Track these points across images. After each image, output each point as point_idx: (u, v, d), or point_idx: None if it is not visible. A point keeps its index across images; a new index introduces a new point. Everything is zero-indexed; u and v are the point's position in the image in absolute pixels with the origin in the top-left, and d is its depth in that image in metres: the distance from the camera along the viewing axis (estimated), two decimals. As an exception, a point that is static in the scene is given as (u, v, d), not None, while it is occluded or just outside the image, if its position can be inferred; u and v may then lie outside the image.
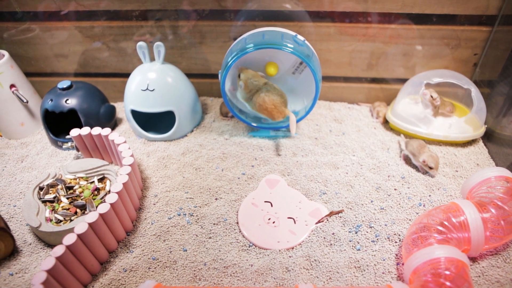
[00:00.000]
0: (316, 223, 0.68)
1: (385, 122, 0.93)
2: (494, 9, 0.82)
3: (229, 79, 0.86)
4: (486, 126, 0.85)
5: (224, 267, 0.61)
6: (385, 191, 0.74)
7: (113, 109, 0.92)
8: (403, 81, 0.95)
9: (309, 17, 0.87)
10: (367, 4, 0.83)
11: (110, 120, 0.91)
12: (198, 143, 0.87)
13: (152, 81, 0.82)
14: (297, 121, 0.85)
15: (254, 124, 0.86)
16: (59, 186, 0.72)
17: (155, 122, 0.94)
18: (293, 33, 0.77)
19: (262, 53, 0.83)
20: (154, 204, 0.73)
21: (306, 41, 0.77)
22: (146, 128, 0.88)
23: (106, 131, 0.78)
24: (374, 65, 0.94)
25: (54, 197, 0.70)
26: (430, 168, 0.76)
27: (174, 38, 0.92)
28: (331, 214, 0.70)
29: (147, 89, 0.82)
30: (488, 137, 0.86)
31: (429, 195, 0.74)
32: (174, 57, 0.95)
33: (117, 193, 0.64)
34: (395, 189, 0.75)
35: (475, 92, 0.82)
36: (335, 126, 0.93)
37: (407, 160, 0.81)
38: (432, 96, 0.83)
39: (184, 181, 0.77)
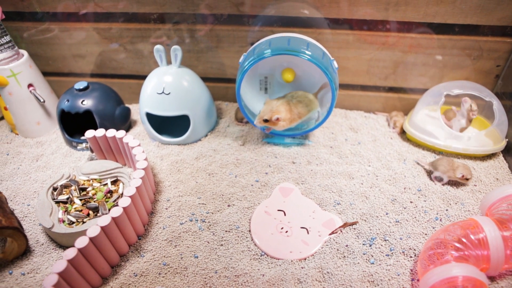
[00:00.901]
0: (330, 234, 0.67)
1: (402, 133, 0.92)
2: (519, 21, 0.80)
3: (245, 83, 0.85)
4: (507, 140, 0.83)
5: (235, 275, 0.61)
6: (401, 204, 0.73)
7: (128, 111, 0.92)
8: (421, 91, 0.93)
9: (327, 24, 0.86)
10: (388, 12, 0.82)
11: (125, 122, 0.91)
12: (212, 148, 0.87)
13: (168, 84, 0.82)
14: (313, 128, 0.84)
15: (268, 131, 0.86)
16: (73, 187, 0.72)
17: (170, 126, 0.93)
18: (322, 47, 0.77)
19: (280, 58, 0.83)
20: (166, 208, 0.73)
21: (329, 55, 0.76)
22: (160, 131, 0.88)
23: (120, 133, 0.78)
24: (392, 74, 0.92)
25: (68, 198, 0.70)
26: (468, 179, 0.75)
27: (191, 42, 0.92)
28: (345, 225, 0.69)
29: (162, 92, 0.82)
30: (509, 151, 0.83)
31: (446, 209, 0.72)
32: (191, 60, 0.95)
33: (130, 196, 0.64)
34: (411, 202, 0.73)
35: (497, 104, 0.80)
36: (351, 135, 0.91)
37: (440, 181, 0.78)
38: (471, 106, 0.81)
39: (197, 186, 0.77)
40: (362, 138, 0.90)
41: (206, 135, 0.91)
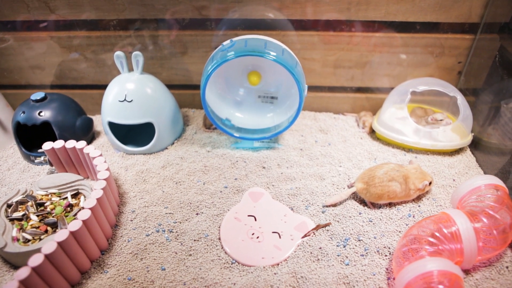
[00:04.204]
0: (302, 237, 0.65)
1: (372, 132, 0.92)
2: (477, 17, 0.82)
3: (211, 88, 0.83)
4: (473, 134, 0.84)
5: (205, 286, 0.57)
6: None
7: (90, 122, 0.88)
8: (388, 90, 0.94)
9: (292, 26, 0.85)
10: (350, 12, 0.82)
11: (87, 133, 0.87)
12: (179, 156, 0.84)
13: (130, 91, 0.79)
14: (281, 131, 0.82)
15: (237, 135, 0.83)
16: (29, 203, 0.68)
17: (134, 135, 0.90)
18: (279, 43, 0.75)
19: (245, 61, 0.81)
20: (131, 220, 0.69)
21: (288, 50, 0.75)
22: (125, 141, 0.85)
23: (81, 144, 0.74)
24: (358, 74, 0.92)
25: (23, 215, 0.66)
26: (441, 120, 0.80)
27: (154, 48, 0.89)
28: (317, 227, 0.67)
29: (124, 100, 0.79)
30: (475, 145, 0.84)
31: (419, 206, 0.71)
32: (154, 67, 0.92)
33: (90, 209, 0.60)
34: (383, 200, 0.72)
35: (461, 99, 0.81)
36: (320, 136, 0.90)
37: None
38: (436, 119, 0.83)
39: (163, 196, 0.74)
40: (332, 139, 0.89)
41: (173, 143, 0.88)
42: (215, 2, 0.81)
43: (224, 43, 0.76)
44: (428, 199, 0.73)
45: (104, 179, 0.66)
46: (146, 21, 0.85)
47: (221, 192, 0.74)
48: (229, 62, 0.72)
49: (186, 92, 0.97)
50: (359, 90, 0.96)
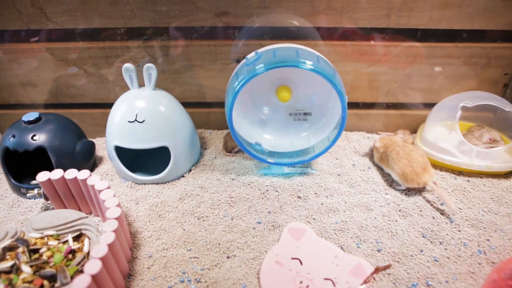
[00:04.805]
0: (362, 284, 0.53)
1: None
2: (530, 24, 0.73)
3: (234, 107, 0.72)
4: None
5: None
6: (435, 237, 0.61)
7: (91, 146, 0.75)
8: (426, 106, 0.84)
9: (324, 35, 0.75)
10: (390, 19, 0.73)
11: (88, 159, 0.75)
12: (198, 185, 0.72)
13: (142, 110, 0.67)
14: (323, 152, 0.71)
15: (271, 160, 0.72)
16: (20, 249, 0.54)
17: (144, 161, 0.78)
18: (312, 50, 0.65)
19: (272, 74, 0.71)
20: (148, 268, 0.56)
21: (324, 58, 0.65)
22: (133, 168, 0.72)
23: (83, 173, 0.61)
24: (395, 88, 0.83)
25: (12, 266, 0.52)
26: (497, 141, 0.73)
27: (165, 61, 0.78)
28: (377, 270, 0.55)
29: (135, 120, 0.67)
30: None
31: (488, 240, 0.60)
32: (166, 82, 0.81)
33: (100, 258, 0.47)
34: (447, 234, 0.61)
35: (517, 115, 0.72)
36: (357, 159, 0.80)
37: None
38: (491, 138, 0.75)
39: (185, 235, 0.61)
40: (370, 162, 0.79)
41: (190, 170, 0.76)
42: (239, 7, 0.71)
43: (248, 56, 0.65)
44: (495, 231, 0.62)
45: (115, 218, 0.54)
46: (158, 29, 0.74)
47: (254, 229, 0.62)
48: (255, 77, 0.62)
49: (201, 111, 0.86)
50: (394, 106, 0.86)
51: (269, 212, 0.66)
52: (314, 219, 0.65)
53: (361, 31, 0.75)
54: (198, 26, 0.74)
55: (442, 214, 0.66)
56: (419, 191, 0.71)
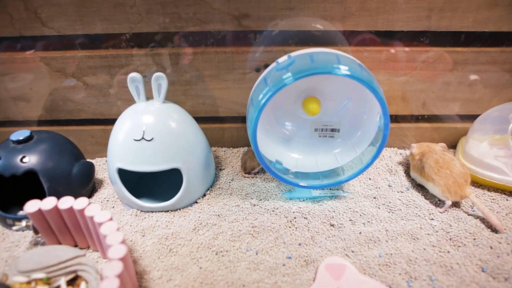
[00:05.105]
0: (424, 338, 0.43)
1: (454, 171, 0.72)
2: None
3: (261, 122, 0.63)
4: None
5: None
6: (497, 271, 0.51)
7: (90, 169, 0.66)
8: (463, 117, 0.76)
9: (354, 40, 0.67)
10: (430, 21, 0.65)
11: (87, 183, 0.65)
12: (215, 212, 0.62)
13: (150, 127, 0.58)
14: (353, 176, 0.62)
15: (304, 184, 0.63)
16: (2, 298, 0.44)
17: (151, 184, 0.68)
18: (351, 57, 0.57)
19: (299, 85, 0.62)
20: (159, 319, 0.46)
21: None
22: (138, 194, 0.63)
23: (81, 202, 0.52)
24: (431, 99, 0.74)
25: (-8, 320, 0.42)
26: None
27: (175, 71, 0.70)
28: (440, 319, 0.45)
29: (142, 138, 0.58)
30: None
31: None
32: (176, 95, 0.72)
33: (100, 314, 0.37)
34: (511, 268, 0.51)
35: None
36: (393, 179, 0.70)
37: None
38: None
39: (202, 275, 0.51)
40: (408, 181, 0.69)
41: (204, 195, 0.66)
42: (261, 8, 0.63)
43: (280, 60, 0.56)
44: None
45: (119, 259, 0.44)
46: (168, 35, 0.66)
47: (284, 265, 0.52)
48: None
49: (214, 126, 0.76)
50: (429, 118, 0.77)
51: (299, 244, 0.56)
52: (353, 251, 0.55)
53: (398, 35, 0.66)
54: (214, 31, 0.65)
55: (500, 243, 0.56)
56: (469, 214, 0.61)
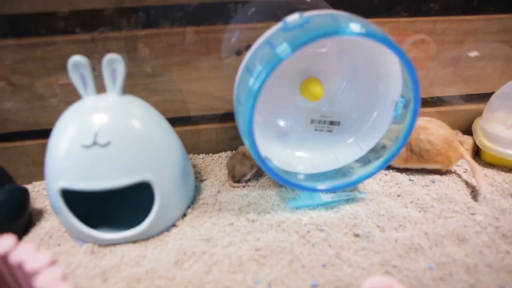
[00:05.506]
0: None
1: (475, 156, 0.62)
2: None
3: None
4: None
5: None
6: None
7: (23, 196, 0.48)
8: (474, 98, 0.67)
9: (353, 9, 0.56)
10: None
11: (18, 216, 0.47)
12: (202, 236, 0.46)
13: (105, 127, 0.42)
14: (368, 175, 0.49)
15: (322, 187, 0.49)
16: None
17: (110, 208, 0.51)
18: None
19: (298, 63, 0.50)
20: None
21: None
22: (93, 222, 0.46)
23: (4, 242, 0.34)
24: (440, 78, 0.65)
25: None
26: None
27: (132, 60, 0.54)
28: None
29: (94, 143, 0.42)
30: None
31: None
32: (135, 91, 0.56)
33: None
34: None
35: None
36: (411, 171, 0.58)
37: None
38: None
39: (198, 329, 0.35)
40: (430, 174, 0.58)
41: (185, 215, 0.50)
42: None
43: (288, 18, 0.43)
44: None
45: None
46: (122, 12, 0.51)
47: (311, 298, 0.38)
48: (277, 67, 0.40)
49: (187, 129, 0.61)
50: (438, 101, 0.67)
51: (324, 266, 0.42)
52: (394, 266, 0.41)
53: (401, 4, 0.56)
54: (183, 3, 0.51)
55: None
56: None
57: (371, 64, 0.49)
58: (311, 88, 0.49)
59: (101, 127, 0.42)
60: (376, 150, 0.51)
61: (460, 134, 0.65)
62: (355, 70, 0.52)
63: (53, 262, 0.33)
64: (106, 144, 0.42)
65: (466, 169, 0.59)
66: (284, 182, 0.47)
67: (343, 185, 0.49)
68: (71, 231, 0.46)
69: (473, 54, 0.63)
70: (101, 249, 0.45)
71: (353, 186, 0.51)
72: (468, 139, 0.63)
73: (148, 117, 0.46)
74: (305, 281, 0.40)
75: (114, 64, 0.44)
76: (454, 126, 0.68)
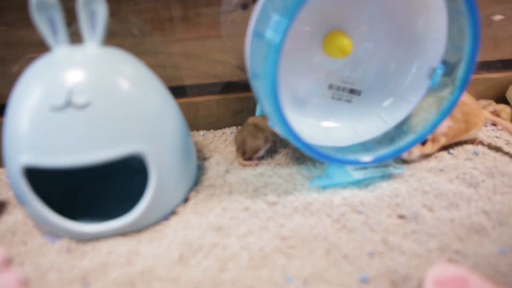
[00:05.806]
0: None
1: (514, 128, 0.55)
2: None
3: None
4: None
5: None
6: None
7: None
8: (492, 64, 0.60)
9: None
10: None
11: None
12: (211, 224, 0.37)
13: (82, 85, 0.32)
14: (409, 145, 0.41)
15: (368, 159, 0.40)
16: None
17: (92, 194, 0.41)
18: None
19: (318, 15, 0.41)
20: None
21: None
22: (69, 212, 0.36)
23: None
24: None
25: None
26: None
27: (115, 15, 0.44)
28: None
29: (68, 104, 0.31)
30: None
31: None
32: (120, 54, 0.46)
33: None
34: None
35: None
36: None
37: None
38: None
39: None
40: (469, 145, 0.50)
41: (187, 199, 0.40)
42: None
43: None
44: None
45: None
46: None
47: (364, 297, 0.29)
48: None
49: (183, 101, 0.51)
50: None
51: (370, 254, 0.33)
52: (457, 252, 0.33)
53: None
54: None
55: None
56: None
57: (409, 21, 0.41)
58: (338, 41, 0.41)
59: (78, 85, 0.32)
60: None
61: (494, 104, 0.58)
62: (385, 25, 0.43)
63: (7, 262, 0.23)
64: (85, 105, 0.32)
65: (507, 141, 0.51)
66: (325, 159, 0.38)
67: (393, 152, 0.41)
68: (41, 225, 0.36)
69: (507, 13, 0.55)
70: (81, 245, 0.35)
71: (405, 151, 0.42)
72: (506, 108, 0.55)
73: (139, 74, 0.37)
74: (351, 275, 0.31)
75: (93, 5, 0.34)
76: (484, 96, 0.61)
